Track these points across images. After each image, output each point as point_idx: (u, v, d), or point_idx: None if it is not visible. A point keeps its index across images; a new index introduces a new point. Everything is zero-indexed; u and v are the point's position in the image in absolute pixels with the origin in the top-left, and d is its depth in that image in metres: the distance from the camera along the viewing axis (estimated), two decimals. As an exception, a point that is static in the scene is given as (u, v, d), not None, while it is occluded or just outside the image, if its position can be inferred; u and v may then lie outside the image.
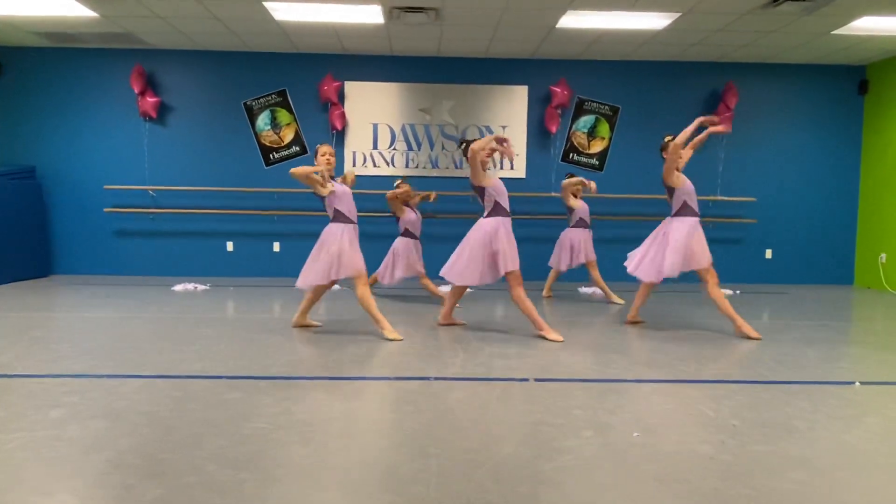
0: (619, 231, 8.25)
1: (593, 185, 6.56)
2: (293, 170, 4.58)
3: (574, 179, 6.65)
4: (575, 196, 6.72)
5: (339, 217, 4.70)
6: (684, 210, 4.90)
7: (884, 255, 8.10)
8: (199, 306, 6.08)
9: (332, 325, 5.19)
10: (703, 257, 4.80)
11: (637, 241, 8.54)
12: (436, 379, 3.55)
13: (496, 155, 4.83)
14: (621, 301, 6.51)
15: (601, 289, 6.65)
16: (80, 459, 2.37)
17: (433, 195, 6.74)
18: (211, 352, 4.14)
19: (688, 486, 2.22)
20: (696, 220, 4.88)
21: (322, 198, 4.72)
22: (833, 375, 3.81)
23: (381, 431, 2.80)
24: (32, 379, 3.47)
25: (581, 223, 6.67)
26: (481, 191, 4.73)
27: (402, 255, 6.26)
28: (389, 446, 2.60)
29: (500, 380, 3.62)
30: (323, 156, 4.74)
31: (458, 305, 5.55)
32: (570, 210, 6.72)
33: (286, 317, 5.42)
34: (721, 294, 4.85)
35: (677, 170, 4.92)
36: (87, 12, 6.58)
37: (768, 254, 8.51)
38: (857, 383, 3.59)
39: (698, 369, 3.95)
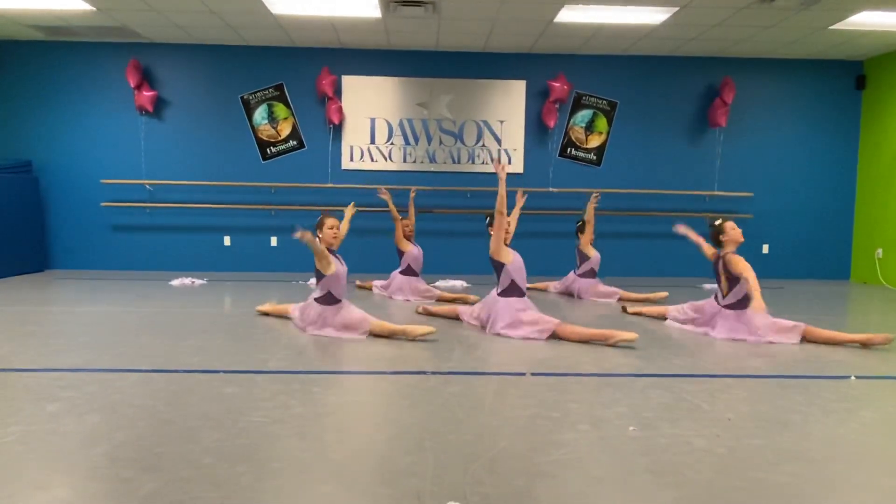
0: (617, 226, 8.26)
1: (595, 198, 6.63)
2: (307, 239, 4.27)
3: (590, 227, 6.55)
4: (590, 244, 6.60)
5: (327, 298, 4.55)
6: (747, 300, 4.54)
7: (880, 251, 8.11)
8: (197, 301, 6.07)
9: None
10: (793, 331, 4.48)
11: (635, 236, 8.57)
12: (433, 373, 3.56)
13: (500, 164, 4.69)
14: (664, 294, 6.35)
15: (645, 300, 6.24)
16: (77, 453, 2.38)
17: (385, 194, 6.42)
18: (208, 346, 4.14)
19: (682, 478, 2.23)
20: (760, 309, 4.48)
21: (319, 274, 4.55)
22: (828, 369, 3.82)
23: (378, 425, 2.81)
24: (29, 373, 3.47)
25: (590, 273, 6.51)
26: (499, 266, 4.63)
27: (404, 289, 6.24)
28: (386, 440, 2.60)
29: (496, 374, 3.64)
30: (331, 228, 4.62)
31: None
32: (585, 258, 6.54)
33: (283, 311, 5.43)
34: (824, 332, 4.46)
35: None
36: (82, 5, 6.55)
37: (765, 249, 8.52)
38: (853, 377, 3.61)
39: (694, 363, 3.97)
